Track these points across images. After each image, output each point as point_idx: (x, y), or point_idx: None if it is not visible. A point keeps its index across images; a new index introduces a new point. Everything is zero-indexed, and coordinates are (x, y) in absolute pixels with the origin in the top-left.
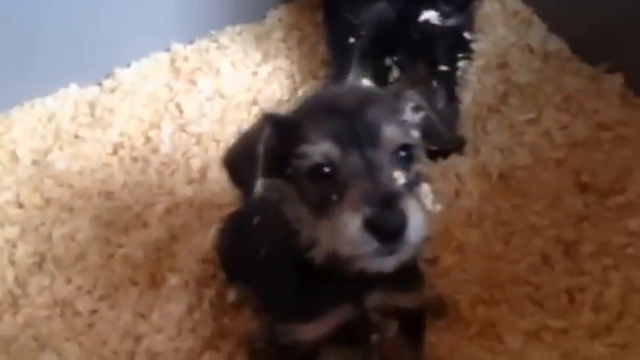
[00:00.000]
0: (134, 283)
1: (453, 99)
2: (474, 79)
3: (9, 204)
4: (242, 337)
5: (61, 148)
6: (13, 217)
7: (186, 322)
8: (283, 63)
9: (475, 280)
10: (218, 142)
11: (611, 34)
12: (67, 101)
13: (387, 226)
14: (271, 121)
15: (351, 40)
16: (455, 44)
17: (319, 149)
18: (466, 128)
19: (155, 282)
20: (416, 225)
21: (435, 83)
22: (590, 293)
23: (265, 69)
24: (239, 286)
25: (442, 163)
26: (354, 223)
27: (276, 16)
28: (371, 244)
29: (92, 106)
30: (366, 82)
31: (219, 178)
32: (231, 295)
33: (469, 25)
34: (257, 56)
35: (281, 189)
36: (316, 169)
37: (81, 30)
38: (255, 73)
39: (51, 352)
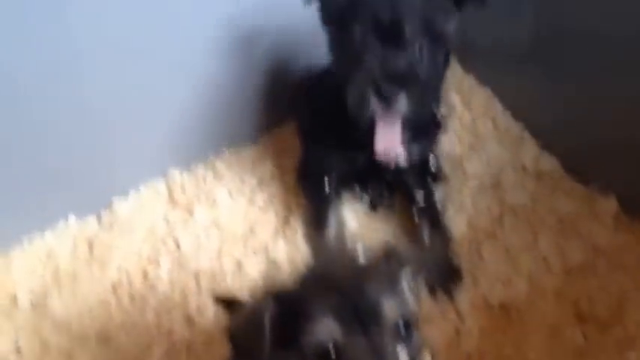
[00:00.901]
0: None
1: (439, 229)
2: (468, 202)
3: (8, 351)
4: None
5: (59, 289)
6: None
7: None
8: (278, 189)
9: None
10: (214, 275)
11: (602, 153)
12: (65, 237)
13: None
14: (274, 298)
15: (326, 190)
16: (422, 172)
17: (322, 329)
18: (462, 257)
19: None
20: None
21: (416, 219)
22: None
23: (261, 197)
24: None
25: (442, 299)
26: None
27: (269, 140)
28: None
29: (90, 244)
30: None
31: (216, 316)
32: None
33: (432, 150)
34: (253, 182)
35: None
36: (321, 347)
37: (76, 160)
38: (251, 201)
39: None
